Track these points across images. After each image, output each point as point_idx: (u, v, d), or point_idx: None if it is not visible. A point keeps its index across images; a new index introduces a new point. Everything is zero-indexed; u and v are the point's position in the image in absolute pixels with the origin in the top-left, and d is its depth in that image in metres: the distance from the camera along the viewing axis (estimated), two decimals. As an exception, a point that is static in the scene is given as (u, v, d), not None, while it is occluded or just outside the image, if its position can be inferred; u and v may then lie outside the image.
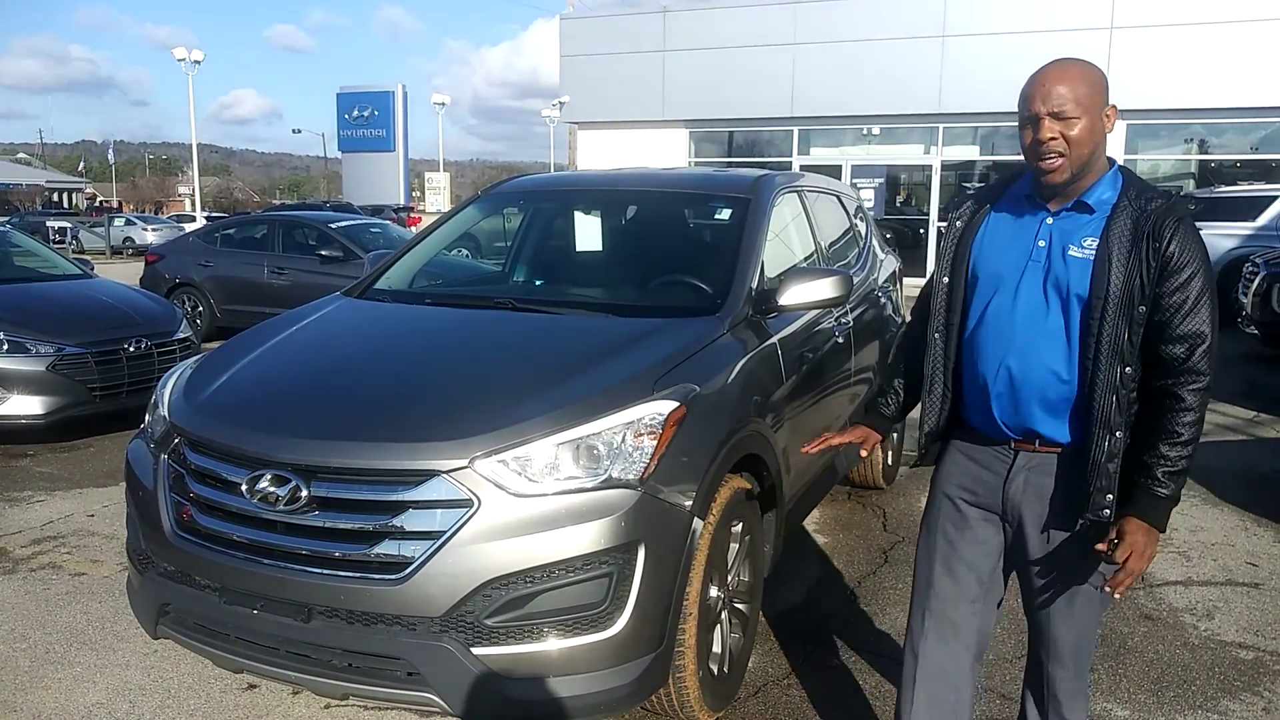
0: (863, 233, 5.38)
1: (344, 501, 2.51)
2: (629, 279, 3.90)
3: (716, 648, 3.03)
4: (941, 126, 18.55)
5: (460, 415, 2.62)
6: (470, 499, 2.44)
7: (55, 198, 74.88)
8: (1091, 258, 2.03)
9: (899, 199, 19.88)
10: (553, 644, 2.46)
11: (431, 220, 4.65)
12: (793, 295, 3.46)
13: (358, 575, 2.45)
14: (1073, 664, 2.24)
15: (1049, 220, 2.12)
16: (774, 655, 3.47)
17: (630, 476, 2.54)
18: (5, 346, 6.06)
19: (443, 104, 46.56)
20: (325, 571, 2.48)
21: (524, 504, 2.46)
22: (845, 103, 18.61)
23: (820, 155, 19.86)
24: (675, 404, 2.71)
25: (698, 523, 2.68)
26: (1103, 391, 2.02)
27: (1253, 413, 7.57)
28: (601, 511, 2.48)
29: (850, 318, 4.37)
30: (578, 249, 4.06)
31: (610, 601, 2.49)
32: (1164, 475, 2.00)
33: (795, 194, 4.41)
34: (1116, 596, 2.02)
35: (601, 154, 21.41)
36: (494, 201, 4.42)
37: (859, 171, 19.00)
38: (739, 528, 3.12)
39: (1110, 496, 2.04)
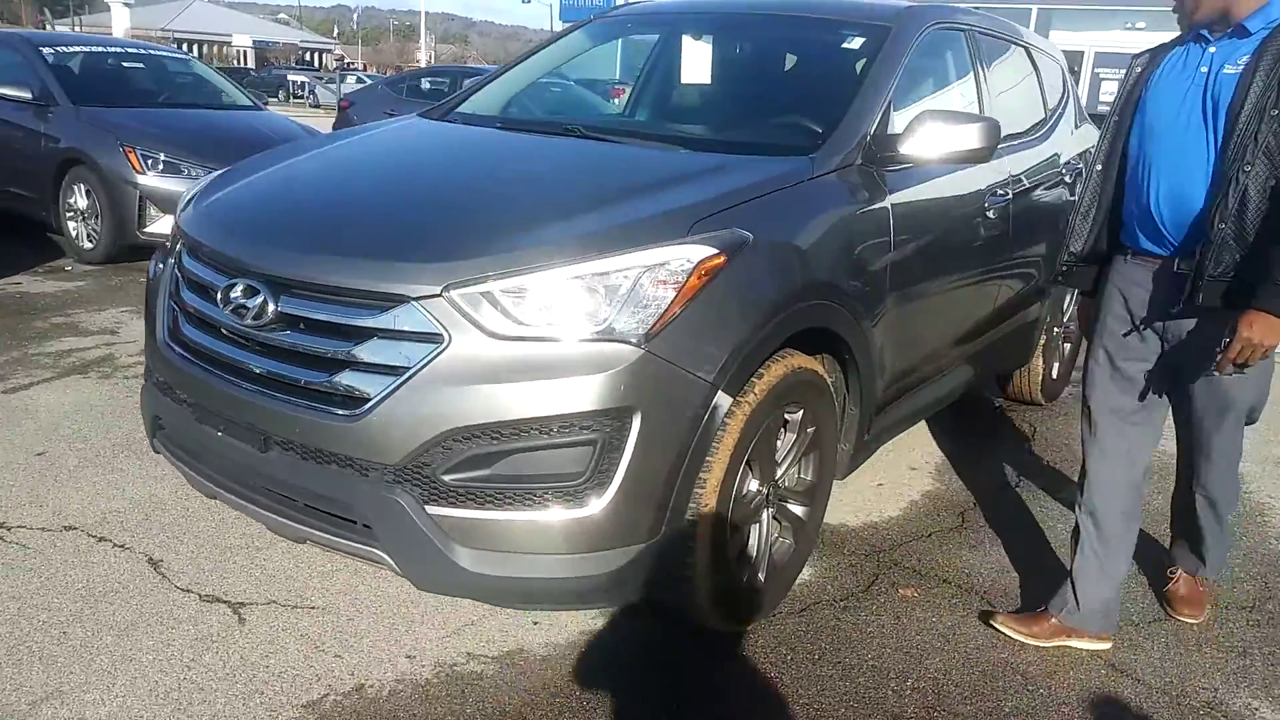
0: (1057, 97, 4.47)
1: (310, 321, 2.18)
2: (724, 111, 3.33)
3: (752, 551, 2.56)
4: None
5: (448, 237, 2.21)
6: (440, 333, 2.05)
7: (307, 57, 79.89)
8: (1241, 72, 2.19)
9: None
10: (518, 515, 2.08)
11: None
12: (918, 143, 2.79)
13: (314, 406, 2.14)
14: (1223, 461, 2.54)
15: (1211, 49, 2.31)
16: (838, 572, 2.95)
17: (635, 330, 2.07)
18: (162, 166, 6.19)
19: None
20: (283, 398, 2.18)
21: (501, 347, 2.04)
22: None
23: (1061, 39, 17.61)
24: (712, 251, 2.19)
25: (723, 398, 2.18)
26: (1232, 194, 2.16)
27: None
28: (593, 367, 2.03)
29: (1011, 192, 3.59)
30: (683, 79, 3.49)
31: (591, 475, 2.06)
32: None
33: (962, 34, 3.63)
34: (1218, 373, 2.24)
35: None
36: (605, 28, 3.88)
37: (1104, 60, 16.71)
38: (798, 415, 2.59)
39: (1200, 285, 2.21)
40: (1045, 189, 3.96)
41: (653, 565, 2.20)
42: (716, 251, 2.19)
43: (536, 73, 3.82)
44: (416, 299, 2.06)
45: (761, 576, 2.58)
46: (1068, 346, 4.77)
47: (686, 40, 3.50)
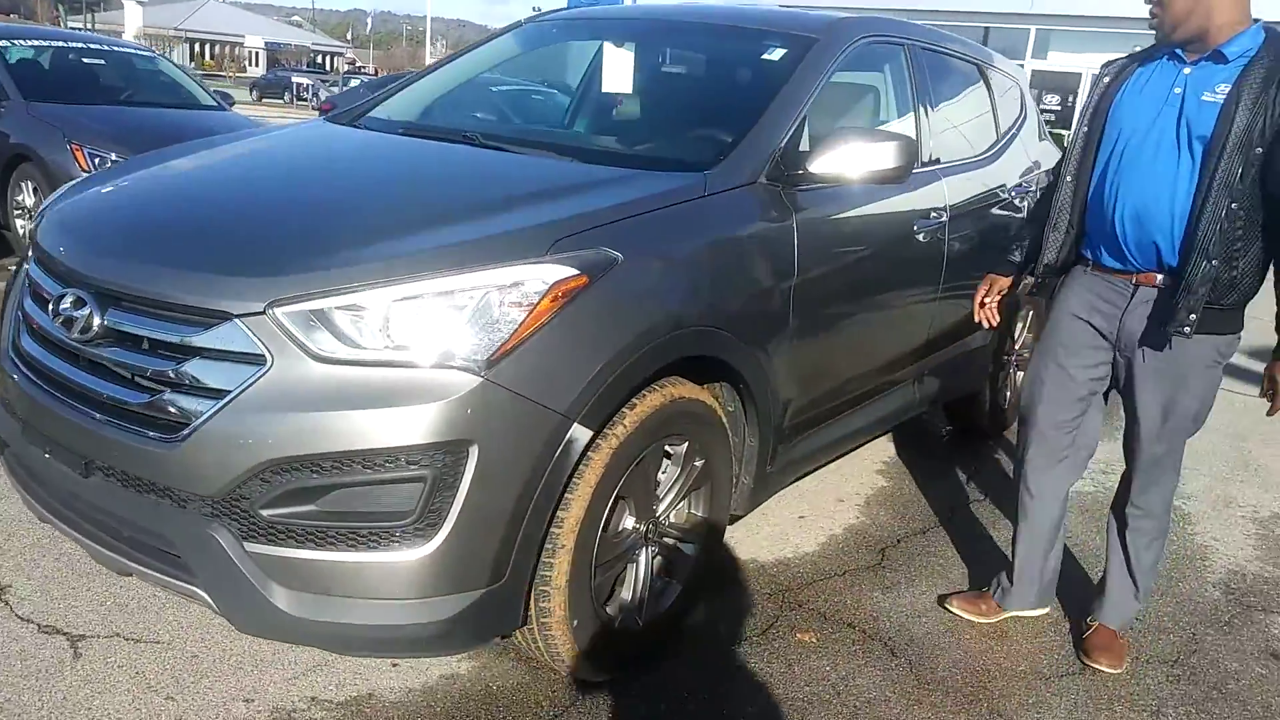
0: (1013, 118, 4.30)
1: (134, 337, 2.02)
2: (634, 122, 3.17)
3: (627, 594, 2.40)
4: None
5: (280, 250, 2.05)
6: (263, 354, 1.89)
7: (319, 59, 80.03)
8: (1221, 101, 2.20)
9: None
10: (342, 556, 1.91)
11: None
12: (828, 161, 2.63)
13: (135, 429, 1.97)
14: (1160, 476, 2.56)
15: (1186, 70, 2.31)
16: (736, 612, 2.78)
17: (475, 356, 1.90)
18: (97, 162, 6.04)
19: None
20: (103, 419, 2.02)
21: (326, 371, 1.88)
22: (1091, 1, 16.08)
23: (1059, 61, 17.51)
24: (571, 271, 2.02)
25: (580, 431, 2.01)
26: (1208, 221, 2.20)
27: None
28: (424, 396, 1.87)
29: (948, 216, 3.43)
30: (604, 88, 3.33)
31: (421, 515, 1.89)
32: None
33: (901, 49, 3.47)
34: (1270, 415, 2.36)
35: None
36: (536, 32, 3.72)
37: (1102, 83, 16.55)
38: (682, 448, 2.42)
39: (1194, 316, 2.26)
40: (990, 213, 3.79)
41: (499, 611, 2.03)
42: (577, 272, 2.03)
43: (463, 76, 3.66)
44: (239, 316, 1.90)
45: (639, 619, 2.41)
46: (1020, 375, 4.60)
47: (608, 48, 3.34)
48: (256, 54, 74.07)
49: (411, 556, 1.90)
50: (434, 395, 1.86)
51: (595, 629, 2.25)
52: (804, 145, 2.76)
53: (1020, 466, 2.77)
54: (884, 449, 4.27)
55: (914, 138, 2.70)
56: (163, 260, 2.06)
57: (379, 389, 1.87)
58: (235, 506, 1.90)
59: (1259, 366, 2.55)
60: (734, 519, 3.21)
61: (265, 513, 1.89)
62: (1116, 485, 2.74)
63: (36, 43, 7.26)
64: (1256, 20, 2.25)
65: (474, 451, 1.88)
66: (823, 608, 2.84)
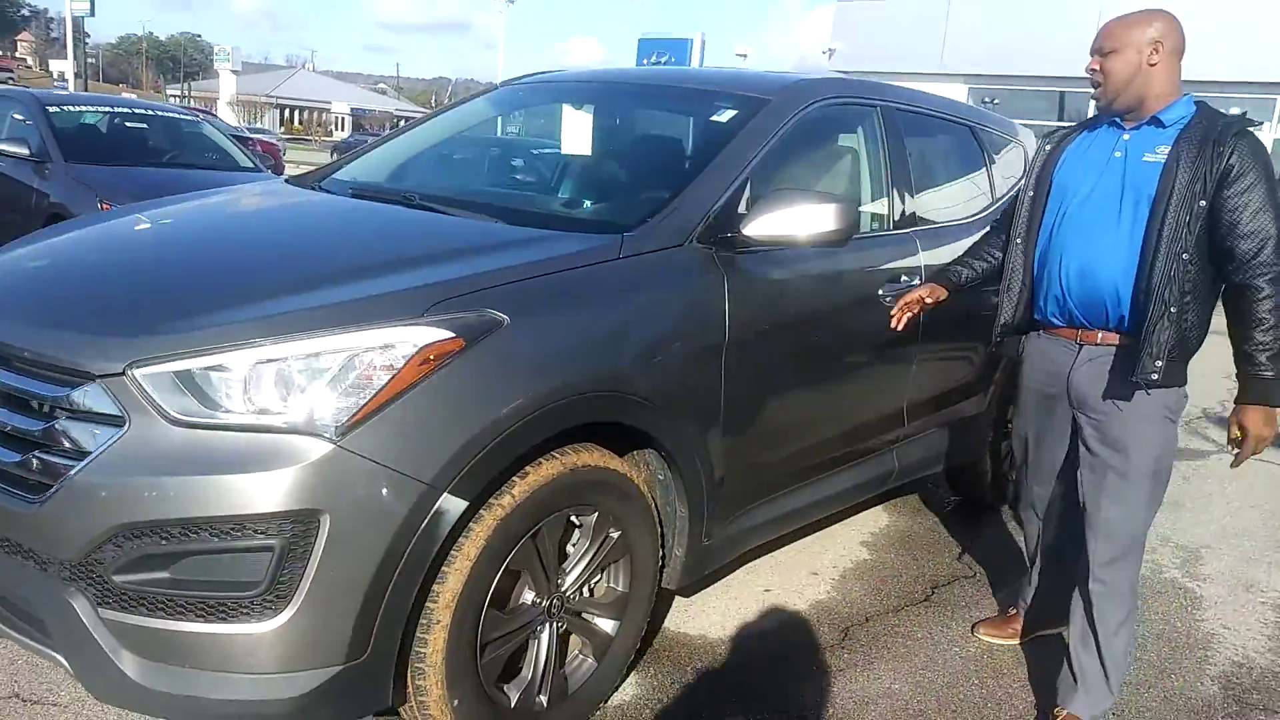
0: (1012, 180, 4.14)
1: (13, 394, 2.01)
2: (575, 183, 3.11)
3: (529, 672, 2.27)
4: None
5: (146, 310, 2.03)
6: (121, 415, 1.85)
7: (401, 124, 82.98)
8: (1163, 161, 2.31)
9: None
10: (194, 626, 1.84)
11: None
12: (762, 224, 2.54)
13: (5, 488, 1.95)
14: (1121, 543, 2.48)
15: (1125, 136, 2.44)
16: (664, 695, 2.62)
17: (331, 421, 1.83)
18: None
19: (744, 55, 46.52)
20: (-18, 478, 2.00)
21: (180, 434, 1.83)
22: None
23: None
24: (444, 334, 1.95)
25: (451, 501, 1.92)
26: (1161, 275, 2.26)
27: None
28: (274, 462, 1.80)
29: (921, 279, 3.27)
30: (564, 149, 3.29)
31: (270, 586, 1.81)
32: (1265, 359, 2.26)
33: (873, 110, 3.36)
34: (1234, 466, 2.43)
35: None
36: (507, 95, 3.72)
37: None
38: (591, 518, 2.31)
39: (1159, 363, 2.28)
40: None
41: (361, 688, 1.93)
42: (451, 335, 1.95)
43: (435, 137, 3.67)
44: (100, 377, 1.87)
45: (543, 700, 2.28)
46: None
47: (567, 110, 3.31)
48: (342, 119, 77.15)
49: (262, 629, 1.82)
50: (284, 461, 1.80)
51: (484, 709, 2.13)
52: (744, 208, 2.66)
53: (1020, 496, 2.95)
54: (875, 518, 4.07)
55: (857, 201, 2.58)
56: (43, 321, 2.06)
57: (233, 454, 1.81)
58: (91, 571, 1.85)
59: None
60: (688, 591, 3.09)
61: (118, 579, 1.83)
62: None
63: (83, 108, 7.61)
64: (1187, 94, 2.42)
65: (325, 521, 1.81)
66: (763, 692, 2.67)
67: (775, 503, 2.92)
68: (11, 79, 64.28)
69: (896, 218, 3.34)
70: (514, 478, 2.08)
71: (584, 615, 2.39)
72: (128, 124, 7.58)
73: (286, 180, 3.39)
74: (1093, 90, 2.47)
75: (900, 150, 3.41)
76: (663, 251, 2.45)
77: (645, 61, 48.47)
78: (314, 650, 1.86)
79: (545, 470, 2.13)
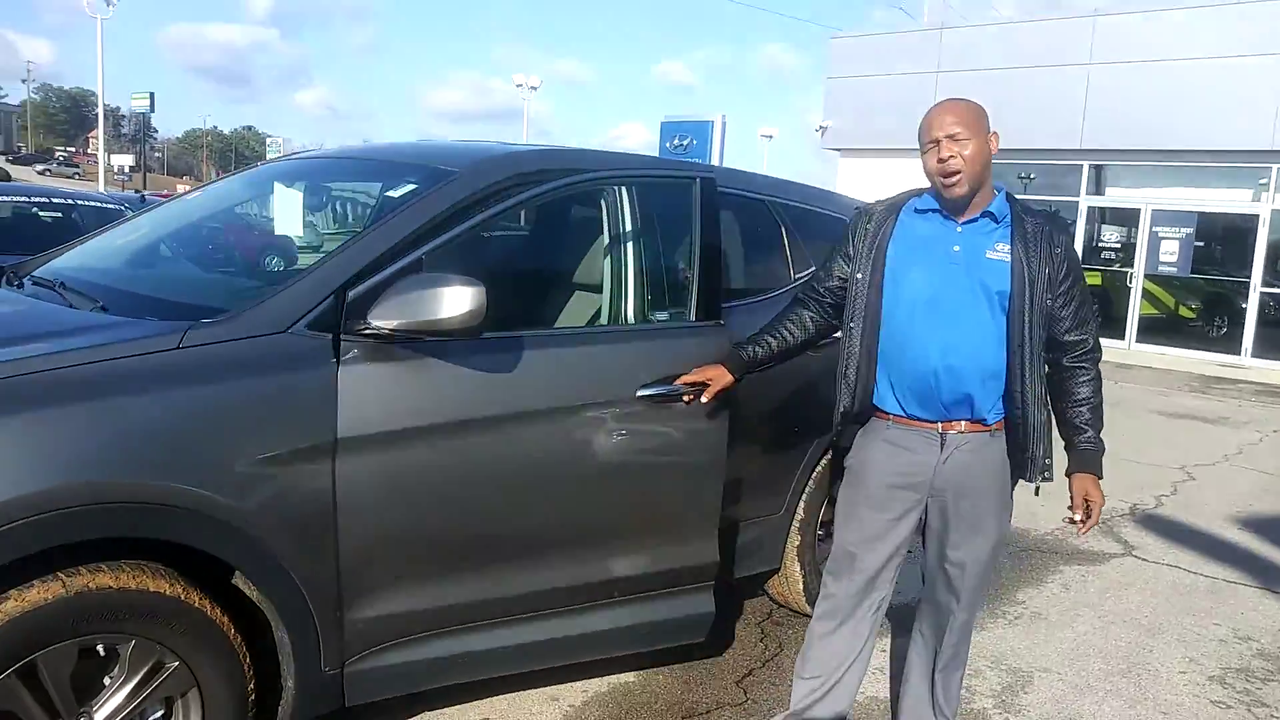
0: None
1: None
2: (216, 263, 2.91)
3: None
4: (1276, 168, 14.68)
5: None
6: None
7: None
8: (1008, 259, 2.40)
9: (1216, 253, 16.08)
10: None
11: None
12: (388, 309, 2.30)
13: None
14: (970, 608, 2.62)
15: (959, 230, 2.45)
16: None
17: None
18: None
19: (769, 136, 47.08)
20: None
21: None
22: (1149, 135, 15.35)
23: (1116, 195, 16.68)
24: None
25: None
26: (1030, 373, 2.39)
27: None
28: None
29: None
30: (276, 230, 3.10)
31: None
32: (1094, 432, 2.51)
33: (619, 186, 3.07)
34: (1082, 534, 2.64)
35: (863, 184, 19.57)
36: (257, 174, 3.55)
37: (1161, 219, 15.50)
38: (129, 649, 2.03)
39: (1050, 460, 2.49)
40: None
41: None
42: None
43: (189, 215, 3.48)
44: None
45: None
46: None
47: (278, 188, 3.12)
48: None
49: None
50: None
51: None
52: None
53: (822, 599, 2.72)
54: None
55: (480, 286, 2.30)
56: None
57: None
58: None
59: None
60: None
61: None
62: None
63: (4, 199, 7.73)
64: (997, 185, 2.48)
65: None
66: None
67: (456, 639, 2.57)
68: (78, 174, 67.59)
69: (628, 307, 3.03)
70: (-10, 600, 1.82)
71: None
72: (41, 213, 7.71)
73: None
74: (945, 180, 2.36)
75: (648, 226, 3.12)
76: (248, 340, 2.21)
77: (669, 144, 48.65)
78: None
79: (38, 593, 1.87)
